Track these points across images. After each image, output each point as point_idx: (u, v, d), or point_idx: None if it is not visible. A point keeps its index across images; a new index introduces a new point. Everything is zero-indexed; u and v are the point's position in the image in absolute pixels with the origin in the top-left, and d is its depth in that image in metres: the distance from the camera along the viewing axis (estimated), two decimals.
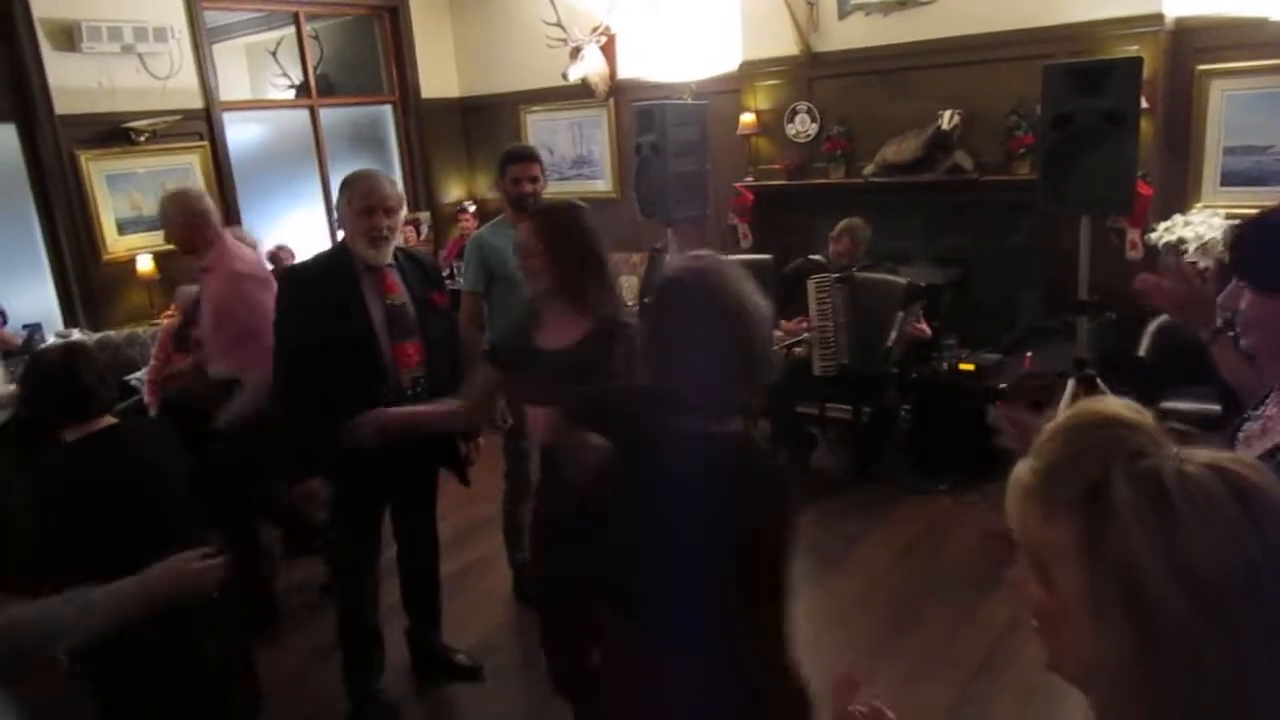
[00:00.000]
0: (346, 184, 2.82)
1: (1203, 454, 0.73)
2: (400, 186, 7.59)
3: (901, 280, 4.57)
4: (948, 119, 5.14)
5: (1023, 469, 0.84)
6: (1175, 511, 0.69)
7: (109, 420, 2.26)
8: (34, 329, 5.36)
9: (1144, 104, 4.04)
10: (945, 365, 4.65)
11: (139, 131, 5.88)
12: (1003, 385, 4.34)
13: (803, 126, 5.91)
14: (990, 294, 5.24)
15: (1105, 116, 3.74)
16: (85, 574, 1.81)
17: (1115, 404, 0.80)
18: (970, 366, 4.53)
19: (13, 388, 4.57)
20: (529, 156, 3.55)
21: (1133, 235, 4.60)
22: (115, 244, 5.82)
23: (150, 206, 6.02)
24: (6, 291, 5.32)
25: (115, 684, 2.24)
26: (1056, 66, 3.97)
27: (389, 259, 2.81)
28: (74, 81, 5.59)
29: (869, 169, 5.55)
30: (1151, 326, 4.32)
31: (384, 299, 2.81)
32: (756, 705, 1.50)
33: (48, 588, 1.78)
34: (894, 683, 3.02)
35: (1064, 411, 0.85)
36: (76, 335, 5.16)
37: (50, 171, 5.56)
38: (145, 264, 5.81)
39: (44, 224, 5.65)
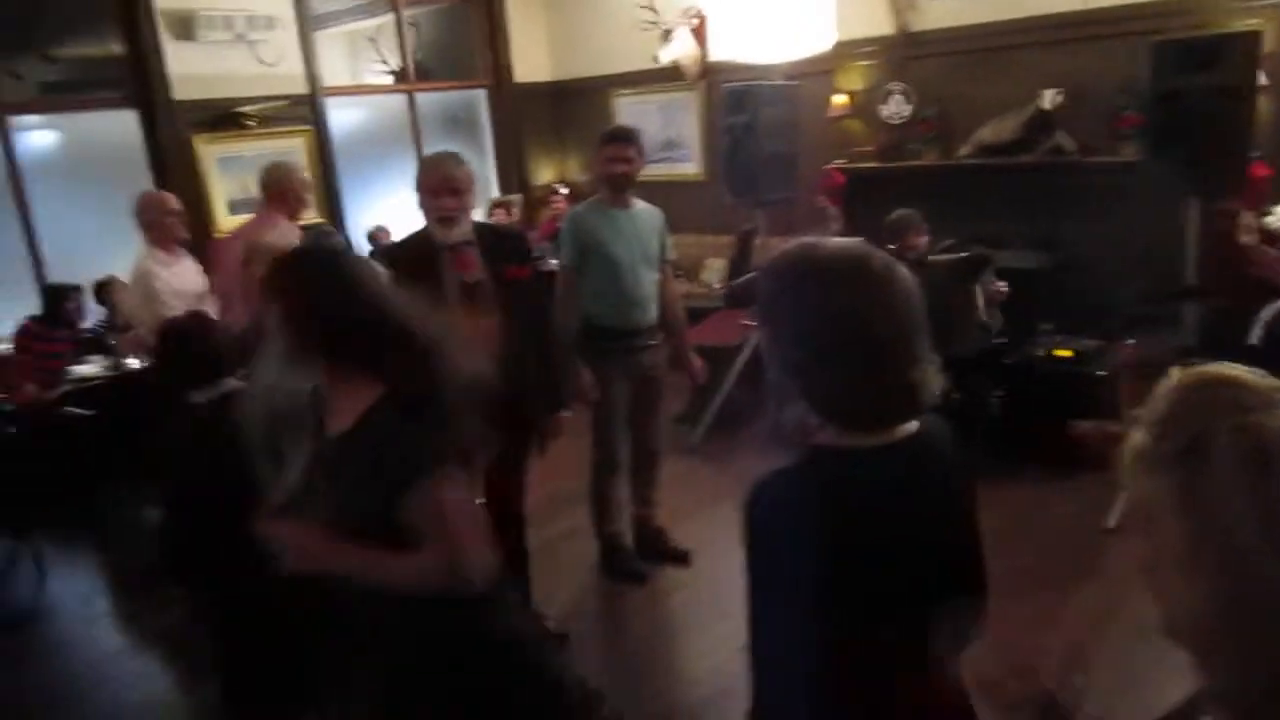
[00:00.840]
0: (418, 169, 2.93)
1: None
2: (490, 168, 7.77)
3: (963, 255, 4.50)
4: (1049, 99, 5.00)
5: (1136, 440, 0.86)
6: (1273, 468, 0.70)
7: (234, 383, 2.43)
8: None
9: (1262, 80, 3.86)
10: (1040, 351, 4.53)
11: (249, 116, 6.15)
12: (1102, 372, 4.22)
13: (896, 108, 5.82)
14: (1090, 279, 5.08)
15: (1218, 93, 3.59)
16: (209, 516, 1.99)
17: (1232, 367, 0.80)
18: (1067, 352, 4.41)
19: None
20: (626, 137, 3.60)
21: (1247, 218, 4.40)
22: (226, 222, 6.10)
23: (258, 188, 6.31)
24: (123, 269, 5.62)
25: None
26: (1166, 43, 3.82)
27: (459, 238, 2.89)
28: (190, 69, 5.88)
29: (964, 151, 5.44)
30: (1265, 313, 4.13)
31: (460, 276, 2.90)
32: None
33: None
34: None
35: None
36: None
37: (168, 154, 5.87)
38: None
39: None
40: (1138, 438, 0.84)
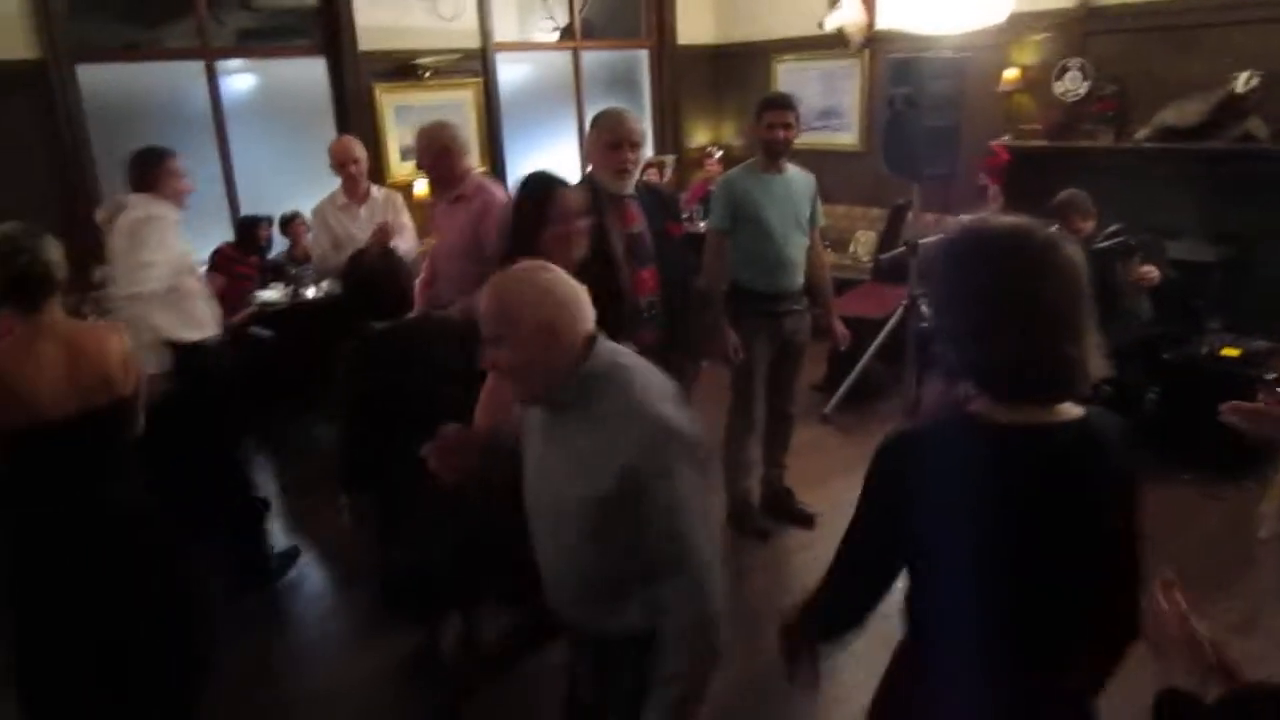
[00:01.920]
0: (596, 120, 3.07)
1: None
2: (647, 127, 7.88)
3: (1115, 242, 4.34)
4: (1243, 81, 4.68)
5: None
6: None
7: (404, 316, 2.68)
8: None
9: None
10: (1205, 349, 4.31)
11: (425, 68, 6.48)
12: (1271, 376, 3.98)
13: (1072, 85, 5.57)
14: (1270, 278, 4.77)
15: None
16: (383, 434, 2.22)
17: None
18: (1235, 352, 4.18)
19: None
20: (785, 104, 3.65)
21: None
22: (398, 169, 6.48)
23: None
24: (305, 205, 6.06)
25: None
26: None
27: (630, 190, 3.03)
28: (375, 21, 6.23)
29: (1142, 133, 5.16)
30: None
31: (625, 228, 3.03)
32: None
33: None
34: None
35: None
36: None
37: (351, 101, 6.26)
38: (420, 188, 6.43)
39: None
40: None
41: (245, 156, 6.12)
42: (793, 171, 3.78)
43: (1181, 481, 4.16)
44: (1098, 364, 1.31)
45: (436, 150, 3.71)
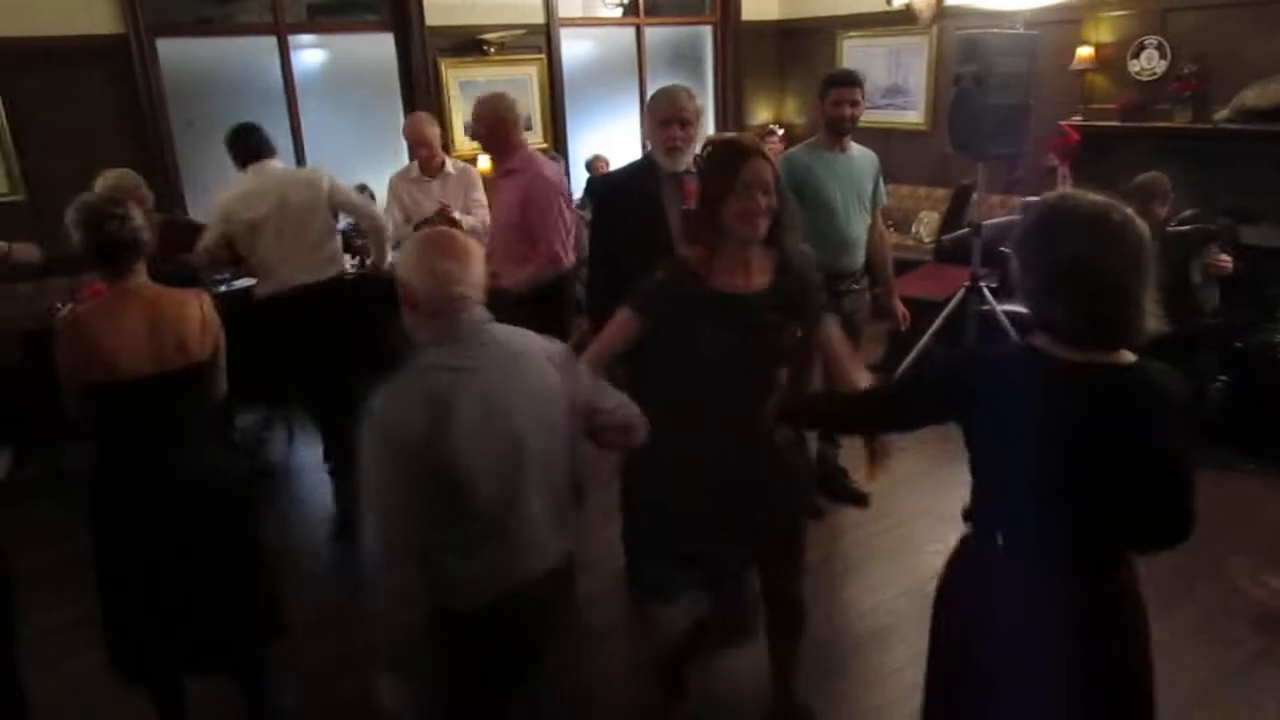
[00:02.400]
0: (651, 99, 3.11)
1: None
2: (709, 104, 7.85)
3: (1194, 227, 4.24)
4: None
5: None
6: None
7: None
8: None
9: None
10: (1277, 338, 4.19)
11: (490, 43, 6.55)
12: None
13: (1148, 63, 5.42)
14: None
15: None
16: None
17: None
18: None
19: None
20: (852, 81, 3.64)
21: None
22: (462, 144, 6.56)
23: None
24: (373, 178, 6.19)
25: None
26: None
27: (684, 166, 3.05)
28: None
29: (1223, 114, 5.01)
30: None
31: (681, 204, 3.06)
32: None
33: None
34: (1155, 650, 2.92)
35: None
36: None
37: (417, 75, 6.37)
38: (484, 163, 6.51)
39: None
40: None
41: (316, 130, 6.28)
42: (856, 150, 3.76)
43: (1246, 471, 4.07)
44: (1151, 323, 1.54)
45: (492, 121, 3.73)
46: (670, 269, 2.26)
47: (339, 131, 6.39)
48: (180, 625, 2.40)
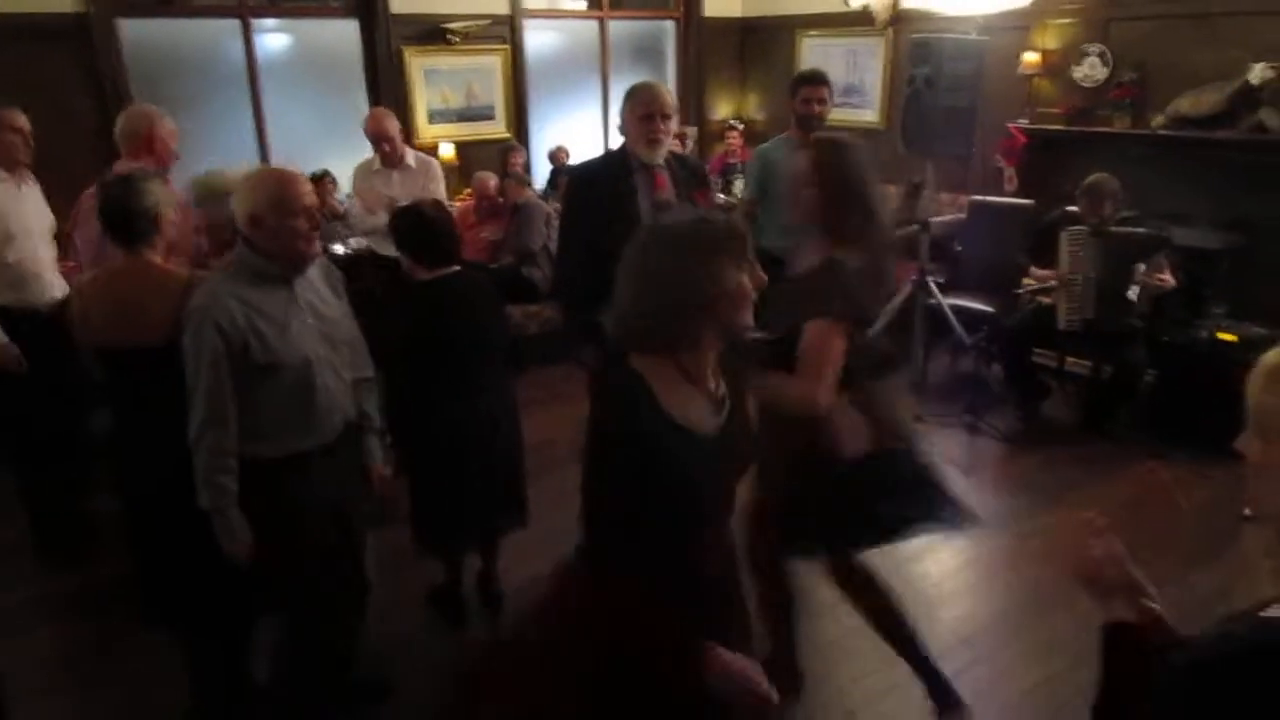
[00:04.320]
0: (631, 92, 3.21)
1: None
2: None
3: (1143, 231, 4.43)
4: (1258, 72, 4.75)
5: (1274, 354, 1.11)
6: None
7: (452, 269, 2.87)
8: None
9: None
10: (1204, 333, 4.44)
11: (454, 32, 6.60)
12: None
13: (1091, 70, 5.65)
14: (1278, 267, 4.87)
15: None
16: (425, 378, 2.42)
17: None
18: (1232, 337, 4.31)
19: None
20: (820, 80, 3.83)
21: None
22: (425, 131, 6.62)
23: (456, 100, 6.80)
24: (336, 165, 6.22)
25: None
26: None
27: (661, 159, 3.18)
28: None
29: (1158, 121, 5.25)
30: None
31: (654, 195, 3.18)
32: None
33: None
34: (1075, 618, 3.12)
35: None
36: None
37: (381, 63, 6.40)
38: (447, 150, 6.58)
39: (371, 108, 6.53)
40: (1272, 359, 1.09)
41: (278, 114, 6.28)
42: None
43: (1173, 460, 4.31)
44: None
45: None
46: None
47: (302, 117, 6.40)
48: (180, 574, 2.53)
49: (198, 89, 5.93)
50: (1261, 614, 1.05)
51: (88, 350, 2.48)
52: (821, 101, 3.79)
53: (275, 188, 2.19)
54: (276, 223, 2.18)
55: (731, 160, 7.48)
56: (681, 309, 1.51)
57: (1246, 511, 3.76)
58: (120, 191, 2.39)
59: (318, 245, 2.29)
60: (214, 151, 3.63)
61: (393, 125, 4.63)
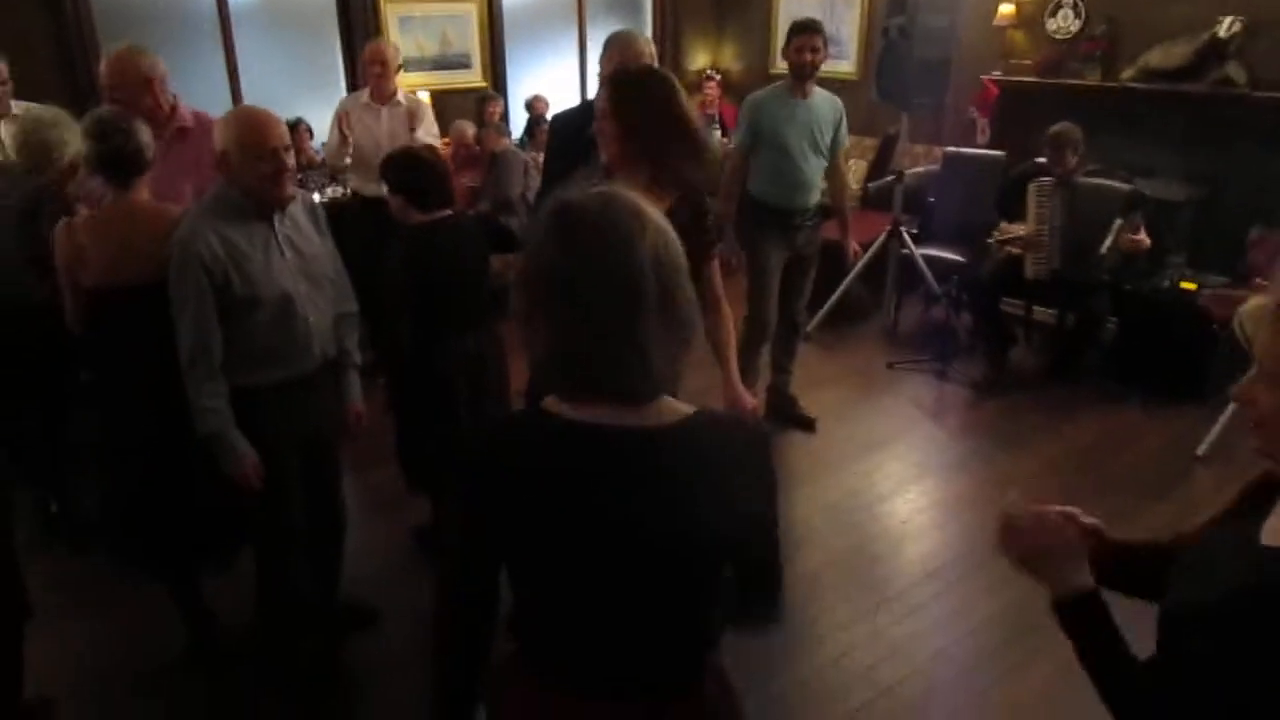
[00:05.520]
0: (609, 41, 3.24)
1: None
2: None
3: (1123, 187, 4.47)
4: (1226, 26, 4.83)
5: (1265, 300, 1.08)
6: None
7: (446, 212, 2.94)
8: None
9: None
10: (1166, 282, 4.57)
11: None
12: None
13: (1064, 22, 5.70)
14: (1237, 218, 4.97)
15: None
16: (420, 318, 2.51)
17: None
18: (1192, 286, 4.44)
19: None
20: (813, 28, 3.87)
21: None
22: (400, 79, 6.54)
23: (431, 48, 6.75)
24: (310, 113, 6.17)
25: None
26: None
27: None
28: None
29: (1128, 74, 5.32)
30: None
31: None
32: None
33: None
34: None
35: None
36: None
37: (355, 10, 6.32)
38: (423, 98, 6.52)
39: (345, 56, 6.47)
40: (1272, 305, 1.06)
41: (250, 62, 6.20)
42: (819, 96, 3.99)
43: (1132, 404, 4.47)
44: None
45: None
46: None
47: (275, 65, 6.32)
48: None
49: (167, 35, 5.83)
50: None
51: (78, 293, 2.48)
52: (814, 50, 3.83)
53: (240, 128, 2.22)
54: (241, 162, 2.22)
55: (710, 111, 7.48)
56: None
57: (1199, 452, 3.94)
58: (113, 130, 2.41)
59: (290, 189, 2.31)
60: (184, 100, 3.58)
61: (390, 52, 4.67)
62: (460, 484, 1.23)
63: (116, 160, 2.42)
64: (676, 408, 1.18)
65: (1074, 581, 1.23)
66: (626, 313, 1.09)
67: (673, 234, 1.16)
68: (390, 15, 6.49)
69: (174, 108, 3.14)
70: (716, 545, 1.20)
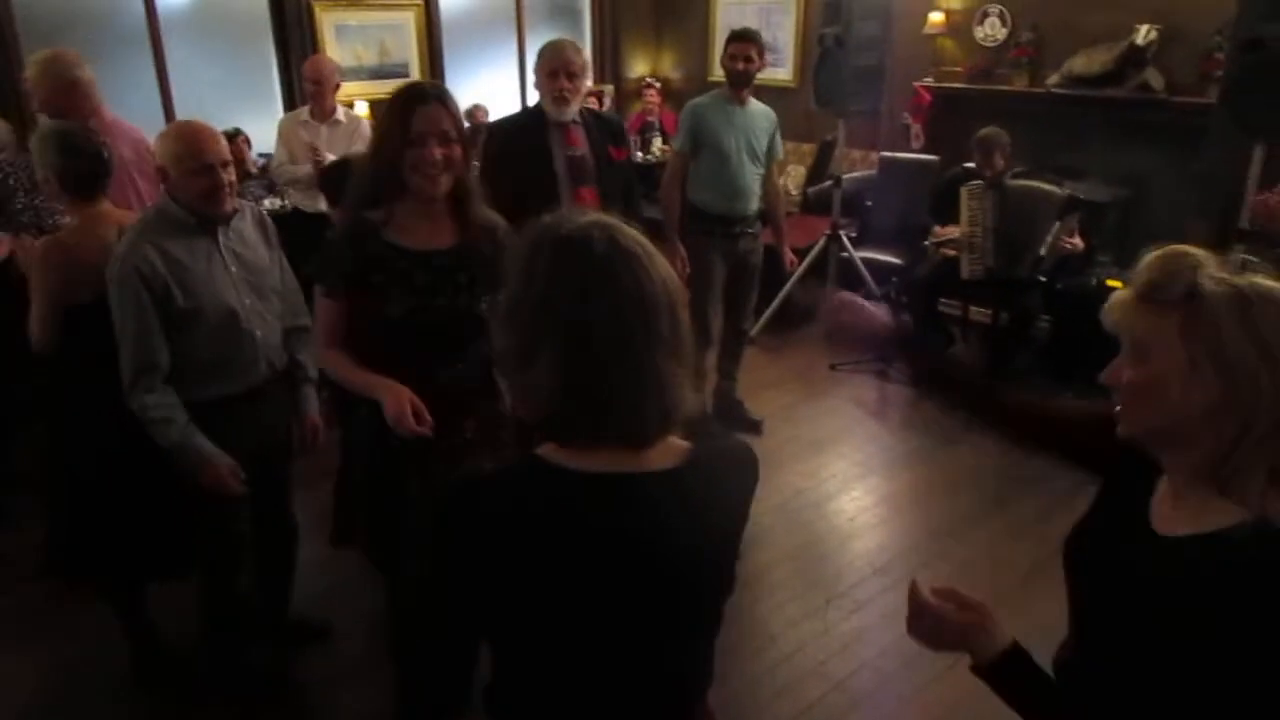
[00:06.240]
0: (540, 51, 3.32)
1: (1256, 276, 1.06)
2: (588, 57, 7.97)
3: (1060, 191, 4.61)
4: (1144, 34, 5.03)
5: (1124, 291, 1.15)
6: (1250, 303, 1.03)
7: None
8: (269, 158, 6.14)
9: None
10: (1094, 280, 4.74)
11: None
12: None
13: (992, 30, 5.88)
14: (1160, 218, 5.18)
15: None
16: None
17: (1189, 246, 1.11)
18: (1119, 284, 4.59)
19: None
20: (747, 37, 3.94)
21: None
22: (339, 93, 6.47)
23: (369, 57, 6.69)
24: (247, 124, 6.06)
25: None
26: None
27: (571, 116, 3.28)
28: None
29: (1054, 79, 5.51)
30: None
31: (566, 150, 3.28)
32: None
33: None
34: (980, 544, 3.39)
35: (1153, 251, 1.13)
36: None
37: (290, 19, 6.23)
38: (362, 109, 6.46)
39: (280, 66, 6.37)
40: (1130, 292, 1.12)
41: (183, 73, 6.07)
42: (755, 105, 4.07)
43: (1065, 397, 4.60)
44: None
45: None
46: (343, 225, 2.13)
47: (209, 76, 6.20)
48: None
49: (94, 43, 5.69)
50: None
51: (57, 312, 2.39)
52: (748, 59, 3.90)
53: (177, 143, 2.22)
54: (178, 177, 2.22)
55: (650, 119, 7.54)
56: None
57: None
58: (85, 144, 2.40)
59: (231, 201, 2.30)
60: (114, 110, 3.50)
61: (331, 72, 4.64)
62: (451, 547, 1.11)
63: (91, 176, 2.40)
64: (672, 446, 1.12)
65: (987, 651, 1.22)
66: (644, 349, 1.04)
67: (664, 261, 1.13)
68: (327, 24, 6.42)
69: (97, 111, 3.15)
70: (726, 581, 1.20)
